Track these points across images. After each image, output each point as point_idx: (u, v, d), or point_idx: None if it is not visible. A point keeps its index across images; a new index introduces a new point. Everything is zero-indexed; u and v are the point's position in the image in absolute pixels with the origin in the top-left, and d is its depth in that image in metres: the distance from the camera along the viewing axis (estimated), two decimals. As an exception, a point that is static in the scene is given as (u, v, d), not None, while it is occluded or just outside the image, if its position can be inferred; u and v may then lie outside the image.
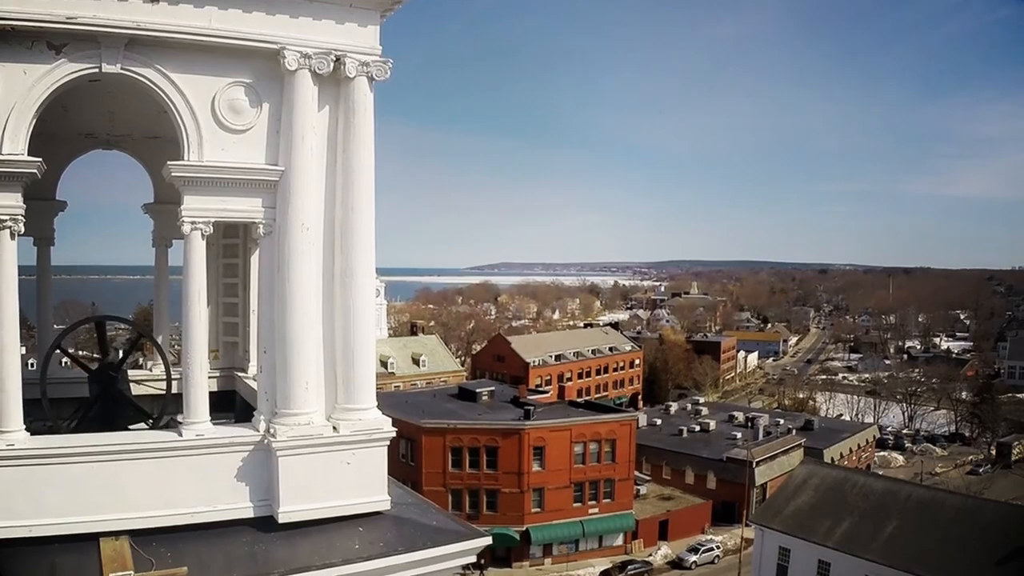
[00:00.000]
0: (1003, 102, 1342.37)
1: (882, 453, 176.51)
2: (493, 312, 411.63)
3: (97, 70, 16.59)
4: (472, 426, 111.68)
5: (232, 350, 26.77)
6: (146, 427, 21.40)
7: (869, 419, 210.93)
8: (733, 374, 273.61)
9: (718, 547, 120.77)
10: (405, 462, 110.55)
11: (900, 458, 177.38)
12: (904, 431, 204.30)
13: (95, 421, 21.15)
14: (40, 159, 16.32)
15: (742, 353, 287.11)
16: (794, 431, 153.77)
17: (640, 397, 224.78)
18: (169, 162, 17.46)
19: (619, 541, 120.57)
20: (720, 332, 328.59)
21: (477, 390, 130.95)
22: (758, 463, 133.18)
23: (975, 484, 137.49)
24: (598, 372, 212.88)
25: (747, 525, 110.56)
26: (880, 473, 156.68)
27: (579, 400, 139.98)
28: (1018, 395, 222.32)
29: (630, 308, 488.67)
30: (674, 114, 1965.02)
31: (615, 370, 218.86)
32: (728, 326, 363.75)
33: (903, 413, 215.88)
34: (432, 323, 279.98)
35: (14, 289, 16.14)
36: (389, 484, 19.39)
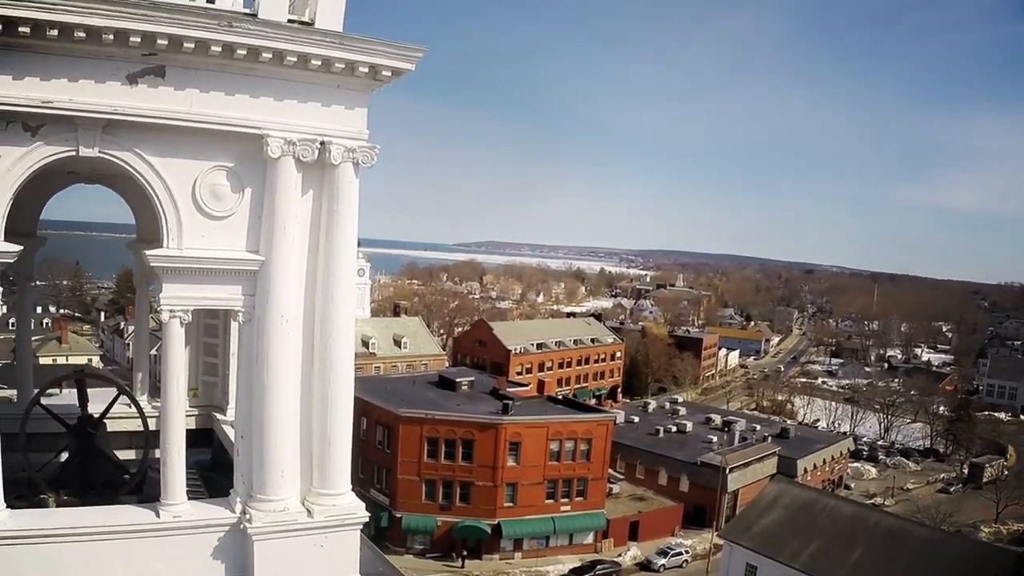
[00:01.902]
0: (1000, 117, 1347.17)
1: (855, 464, 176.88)
2: (477, 291, 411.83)
3: (75, 153, 16.41)
4: (449, 417, 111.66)
5: (211, 389, 26.96)
6: (126, 478, 21.69)
7: (845, 427, 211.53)
8: (714, 371, 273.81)
9: (687, 552, 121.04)
10: (381, 449, 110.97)
11: (873, 470, 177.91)
12: (879, 442, 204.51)
13: (74, 476, 21.41)
14: (18, 248, 16.29)
15: (723, 351, 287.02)
16: (770, 438, 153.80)
17: (619, 390, 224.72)
18: (147, 251, 17.52)
19: (589, 539, 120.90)
20: (703, 327, 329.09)
21: (457, 379, 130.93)
22: (731, 470, 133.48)
23: (945, 504, 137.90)
24: (579, 363, 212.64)
25: (717, 531, 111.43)
26: (852, 485, 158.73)
27: (558, 396, 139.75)
28: (995, 414, 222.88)
29: (614, 296, 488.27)
30: (671, 104, 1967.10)
31: (596, 361, 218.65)
32: (711, 321, 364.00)
33: (879, 423, 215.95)
34: (416, 300, 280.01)
35: None
36: (360, 545, 19.74)
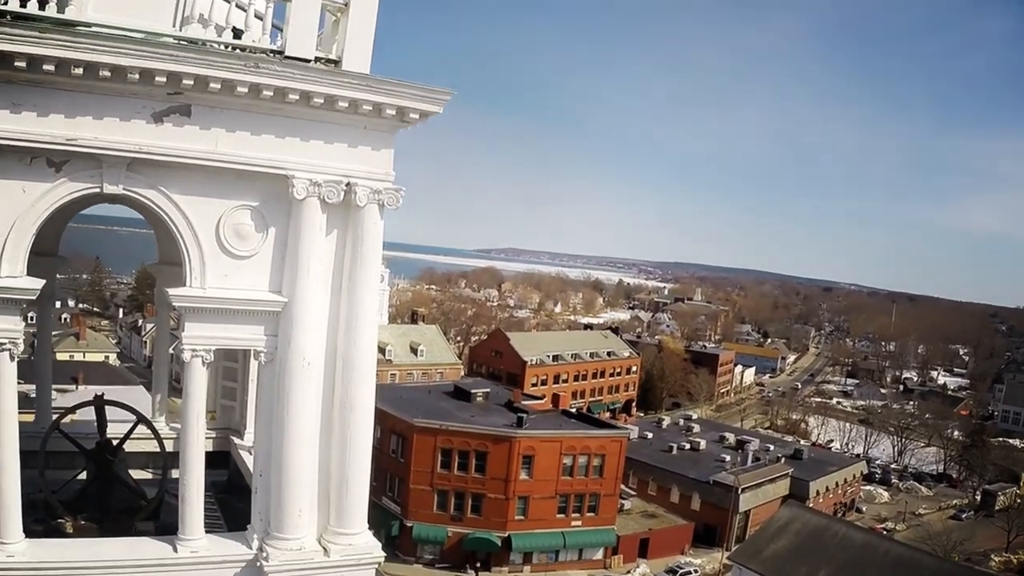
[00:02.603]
0: (1020, 140, 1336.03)
1: (868, 487, 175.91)
2: (495, 299, 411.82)
3: (99, 190, 16.35)
4: (464, 429, 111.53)
5: (229, 412, 26.87)
6: (143, 504, 21.65)
7: (859, 448, 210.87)
8: (729, 388, 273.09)
9: (696, 571, 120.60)
10: (395, 457, 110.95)
11: (885, 494, 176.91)
12: (892, 465, 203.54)
13: (91, 501, 21.37)
14: (40, 283, 16.21)
15: (739, 367, 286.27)
16: (783, 459, 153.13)
17: (634, 404, 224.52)
18: (170, 290, 17.44)
19: (599, 555, 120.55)
20: (719, 343, 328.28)
21: (472, 390, 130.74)
22: (744, 490, 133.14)
23: (956, 531, 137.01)
24: (594, 376, 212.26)
25: (727, 551, 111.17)
26: (863, 509, 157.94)
27: (573, 411, 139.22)
28: (1009, 440, 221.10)
29: (632, 308, 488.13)
30: (695, 116, 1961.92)
31: (611, 375, 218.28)
32: (728, 337, 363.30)
33: (893, 446, 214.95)
34: (434, 306, 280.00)
35: (14, 408, 16.11)
36: (375, 577, 19.62)
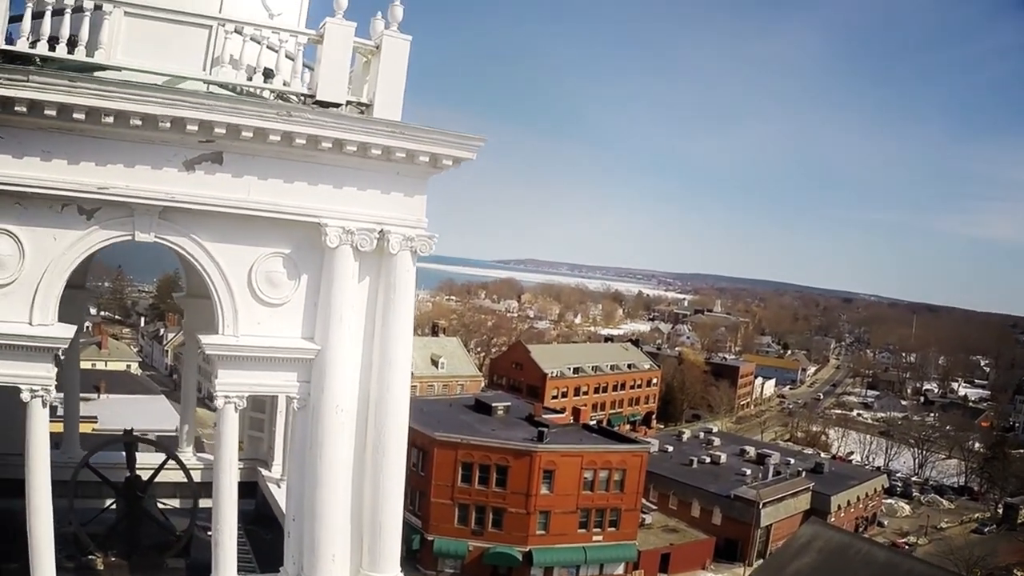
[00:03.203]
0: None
1: (889, 501, 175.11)
2: (515, 310, 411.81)
3: (131, 237, 16.33)
4: (485, 443, 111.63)
5: (257, 443, 26.92)
6: (173, 540, 21.73)
7: (879, 460, 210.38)
8: (749, 400, 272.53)
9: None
10: (415, 471, 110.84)
11: (907, 507, 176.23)
12: (913, 478, 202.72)
13: (121, 537, 21.45)
14: (73, 328, 16.24)
15: (759, 379, 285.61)
16: (803, 473, 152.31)
17: (654, 416, 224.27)
18: (203, 339, 17.39)
19: (620, 570, 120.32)
20: (739, 355, 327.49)
21: (493, 404, 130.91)
22: (765, 504, 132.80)
23: (978, 546, 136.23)
24: (615, 388, 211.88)
25: (748, 566, 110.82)
26: (885, 523, 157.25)
27: (593, 425, 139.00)
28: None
29: (652, 319, 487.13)
30: (713, 127, 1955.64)
31: (632, 387, 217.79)
32: (748, 349, 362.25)
33: (914, 459, 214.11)
34: (454, 318, 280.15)
35: (46, 455, 16.13)
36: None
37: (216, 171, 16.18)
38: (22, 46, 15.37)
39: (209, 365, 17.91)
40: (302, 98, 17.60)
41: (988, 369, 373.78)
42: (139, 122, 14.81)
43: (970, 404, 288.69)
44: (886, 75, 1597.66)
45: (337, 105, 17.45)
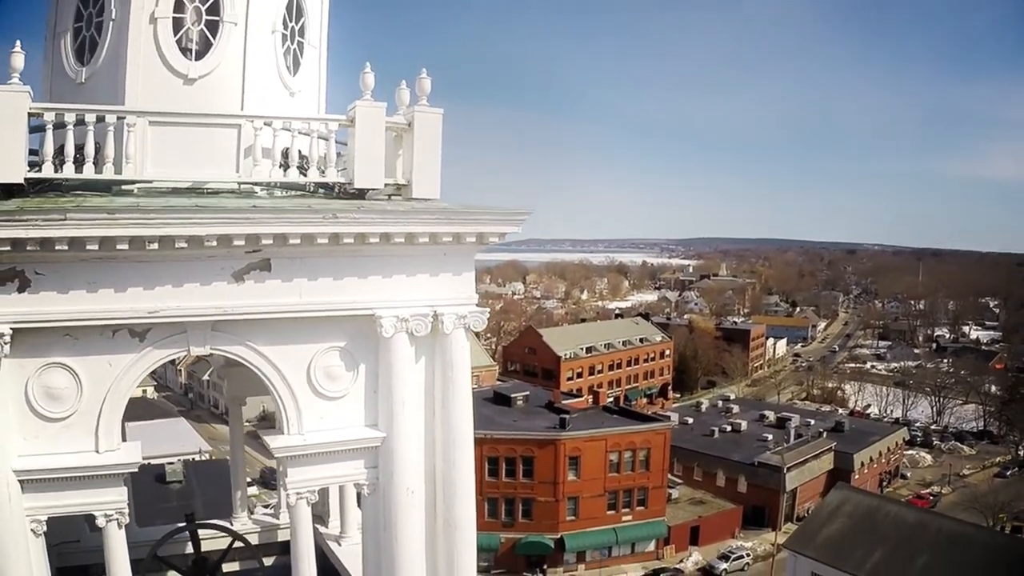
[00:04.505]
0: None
1: (910, 452, 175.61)
2: (522, 291, 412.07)
3: (186, 353, 16.36)
4: (509, 436, 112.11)
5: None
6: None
7: (897, 412, 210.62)
8: (762, 362, 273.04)
9: (748, 555, 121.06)
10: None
11: (928, 457, 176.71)
12: (932, 426, 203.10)
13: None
14: (139, 449, 16.24)
15: (771, 340, 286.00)
16: (824, 433, 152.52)
17: (670, 387, 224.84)
18: (270, 442, 17.38)
19: (651, 547, 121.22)
20: (748, 317, 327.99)
21: (512, 395, 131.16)
22: (789, 468, 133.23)
23: (1002, 491, 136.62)
24: (629, 364, 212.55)
25: (777, 531, 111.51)
26: (908, 475, 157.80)
27: (612, 406, 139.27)
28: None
29: (658, 288, 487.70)
30: (704, 89, 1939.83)
31: (645, 361, 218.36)
32: (756, 310, 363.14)
33: (931, 407, 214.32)
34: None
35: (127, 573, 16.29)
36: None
37: (265, 278, 16.13)
38: (48, 171, 15.36)
39: (278, 465, 18.04)
40: (338, 189, 17.75)
41: (998, 310, 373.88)
42: (184, 244, 14.83)
43: (983, 347, 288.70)
44: (879, 23, 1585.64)
45: (375, 190, 17.58)
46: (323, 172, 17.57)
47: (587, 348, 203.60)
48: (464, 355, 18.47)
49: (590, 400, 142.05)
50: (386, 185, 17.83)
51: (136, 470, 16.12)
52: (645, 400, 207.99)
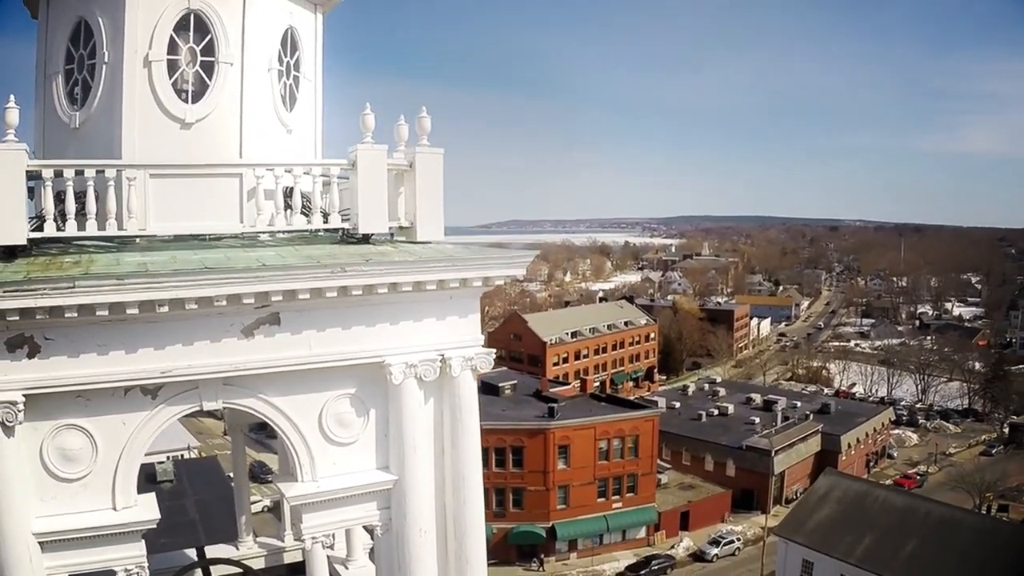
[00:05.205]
0: (1013, 59, 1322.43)
1: (896, 431, 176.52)
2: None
3: (198, 408, 16.28)
4: (498, 427, 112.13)
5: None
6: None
7: (882, 390, 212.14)
8: (746, 342, 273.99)
9: (738, 539, 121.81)
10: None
11: (914, 436, 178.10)
12: (918, 405, 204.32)
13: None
14: (155, 505, 16.19)
15: (755, 320, 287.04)
16: (811, 416, 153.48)
17: (656, 371, 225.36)
18: (285, 490, 17.50)
19: (642, 533, 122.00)
20: (732, 296, 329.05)
21: (500, 384, 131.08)
22: (777, 452, 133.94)
23: (988, 469, 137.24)
24: (614, 347, 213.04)
25: (766, 514, 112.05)
26: (895, 455, 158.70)
27: (601, 394, 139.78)
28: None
29: (641, 269, 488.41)
30: (682, 68, 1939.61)
31: (631, 344, 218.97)
32: (740, 289, 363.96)
33: (916, 385, 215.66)
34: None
35: None
36: None
37: (275, 332, 16.05)
38: (50, 230, 15.32)
39: (293, 511, 18.03)
40: (343, 234, 17.77)
41: (980, 286, 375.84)
42: (195, 305, 14.77)
43: (965, 324, 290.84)
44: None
45: (380, 234, 17.73)
46: (327, 219, 17.54)
47: (572, 333, 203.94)
48: (472, 395, 18.44)
49: (577, 387, 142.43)
50: (391, 232, 17.82)
51: (154, 526, 15.99)
52: (631, 384, 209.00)
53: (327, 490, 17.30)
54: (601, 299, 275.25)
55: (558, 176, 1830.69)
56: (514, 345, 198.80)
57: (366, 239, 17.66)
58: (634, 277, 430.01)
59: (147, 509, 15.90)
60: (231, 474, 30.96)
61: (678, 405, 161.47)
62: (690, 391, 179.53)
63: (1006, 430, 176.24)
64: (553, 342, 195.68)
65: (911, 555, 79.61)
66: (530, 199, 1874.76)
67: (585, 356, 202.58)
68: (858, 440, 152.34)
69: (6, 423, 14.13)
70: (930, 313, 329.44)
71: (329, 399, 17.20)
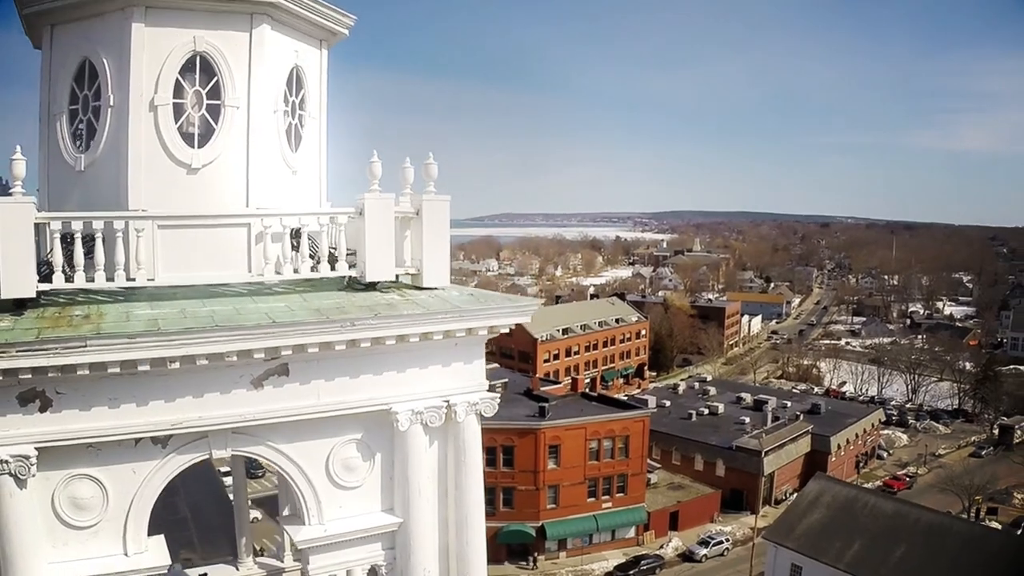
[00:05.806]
0: (1007, 58, 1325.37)
1: (886, 432, 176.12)
2: (496, 268, 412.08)
3: (208, 457, 16.40)
4: (489, 425, 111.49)
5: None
6: None
7: (872, 390, 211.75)
8: (737, 339, 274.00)
9: (727, 540, 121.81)
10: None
11: (904, 437, 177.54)
12: (908, 405, 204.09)
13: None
14: (165, 549, 16.30)
15: (746, 317, 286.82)
16: (801, 416, 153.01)
17: (646, 367, 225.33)
18: (292, 531, 17.71)
19: (631, 533, 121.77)
20: (723, 292, 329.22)
21: (490, 382, 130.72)
22: (767, 452, 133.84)
23: (977, 471, 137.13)
24: (605, 344, 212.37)
25: (755, 514, 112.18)
26: (884, 456, 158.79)
27: (592, 393, 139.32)
28: (1021, 367, 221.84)
29: (632, 264, 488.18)
30: (675, 64, 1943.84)
31: (622, 341, 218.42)
32: (731, 286, 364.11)
33: (906, 384, 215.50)
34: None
35: None
36: None
37: (284, 383, 16.17)
38: (59, 282, 15.43)
39: (300, 554, 18.19)
40: (350, 282, 17.99)
41: (971, 286, 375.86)
42: (205, 361, 14.90)
43: (956, 323, 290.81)
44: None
45: (387, 280, 17.95)
46: (333, 266, 17.71)
47: (563, 329, 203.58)
48: (476, 439, 18.79)
49: (568, 386, 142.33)
50: (397, 278, 18.01)
51: (165, 570, 16.12)
52: (622, 381, 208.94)
53: (334, 533, 17.50)
54: (592, 296, 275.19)
55: (551, 170, 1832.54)
56: (505, 341, 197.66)
57: (372, 286, 17.78)
58: (625, 272, 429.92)
59: (158, 555, 16.03)
60: (231, 495, 31.08)
61: (668, 403, 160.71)
62: (680, 389, 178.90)
63: (995, 431, 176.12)
64: (544, 339, 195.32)
65: (900, 561, 79.70)
66: (523, 193, 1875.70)
67: (576, 353, 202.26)
68: (848, 441, 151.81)
69: (19, 476, 14.25)
70: (921, 312, 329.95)
71: (336, 445, 17.38)
